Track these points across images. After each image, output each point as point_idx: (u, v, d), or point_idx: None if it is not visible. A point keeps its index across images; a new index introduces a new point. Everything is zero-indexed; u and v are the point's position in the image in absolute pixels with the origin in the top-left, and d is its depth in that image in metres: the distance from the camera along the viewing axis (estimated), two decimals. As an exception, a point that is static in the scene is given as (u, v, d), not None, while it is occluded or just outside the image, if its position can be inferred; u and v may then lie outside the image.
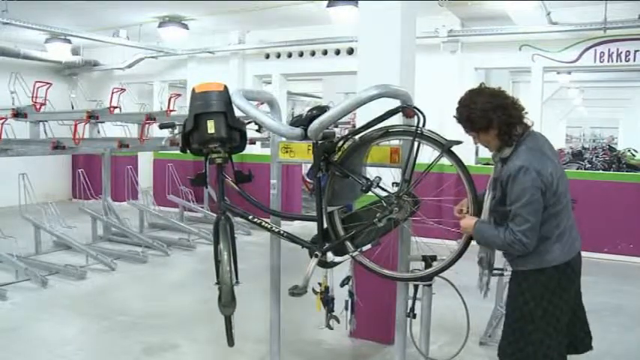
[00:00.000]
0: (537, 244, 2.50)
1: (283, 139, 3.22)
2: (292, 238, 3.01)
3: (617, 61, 7.21)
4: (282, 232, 3.08)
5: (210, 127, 2.82)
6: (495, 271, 4.07)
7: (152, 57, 10.53)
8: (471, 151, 7.80)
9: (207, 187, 8.59)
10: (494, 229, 2.58)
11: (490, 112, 2.51)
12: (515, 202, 2.45)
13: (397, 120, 2.88)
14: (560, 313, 2.58)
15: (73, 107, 10.46)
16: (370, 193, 2.79)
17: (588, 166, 10.97)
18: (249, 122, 3.07)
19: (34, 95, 6.60)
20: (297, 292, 2.90)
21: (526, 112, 2.61)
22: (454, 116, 2.64)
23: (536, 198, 2.43)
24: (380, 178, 2.78)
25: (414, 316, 2.96)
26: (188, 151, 3.00)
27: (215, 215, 3.10)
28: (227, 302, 2.89)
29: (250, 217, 3.06)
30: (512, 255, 2.61)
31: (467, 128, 2.61)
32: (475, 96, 2.58)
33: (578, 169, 10.27)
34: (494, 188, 2.63)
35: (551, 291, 2.55)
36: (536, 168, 2.44)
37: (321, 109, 2.83)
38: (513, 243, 2.47)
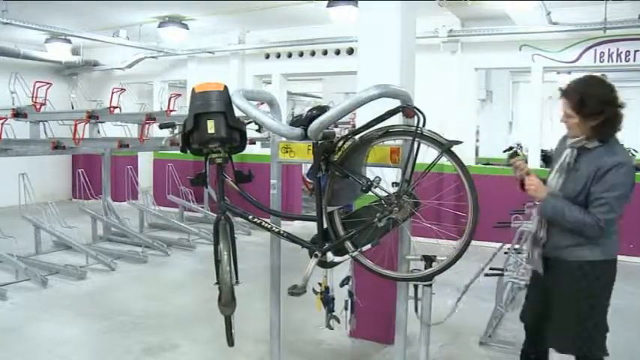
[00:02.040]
0: (609, 236, 2.70)
1: (283, 139, 3.22)
2: (292, 238, 3.01)
3: (617, 61, 7.21)
4: (282, 232, 3.07)
5: (210, 127, 2.81)
6: (495, 271, 4.08)
7: (152, 57, 10.54)
8: (471, 151, 7.80)
9: (207, 187, 8.58)
10: (569, 204, 2.66)
11: (604, 104, 2.59)
12: (609, 191, 2.57)
13: (397, 120, 2.88)
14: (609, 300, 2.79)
15: (73, 107, 10.45)
16: (370, 194, 2.79)
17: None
18: (249, 122, 3.06)
19: (34, 95, 6.60)
20: (296, 291, 2.90)
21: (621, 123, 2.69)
22: (561, 88, 2.69)
23: (627, 194, 2.61)
24: (380, 178, 2.78)
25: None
26: (188, 151, 3.00)
27: (215, 215, 3.10)
28: (227, 302, 2.89)
29: (250, 217, 3.05)
30: (579, 243, 2.68)
31: (572, 106, 2.64)
32: (597, 82, 2.67)
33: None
34: (568, 172, 2.71)
35: (612, 281, 2.77)
36: (633, 168, 2.64)
37: (321, 109, 2.82)
38: (592, 226, 2.58)
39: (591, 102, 2.59)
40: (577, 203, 2.66)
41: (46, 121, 6.94)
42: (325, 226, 2.90)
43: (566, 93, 2.67)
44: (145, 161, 11.40)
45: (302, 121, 2.85)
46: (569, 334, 2.76)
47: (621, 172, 2.57)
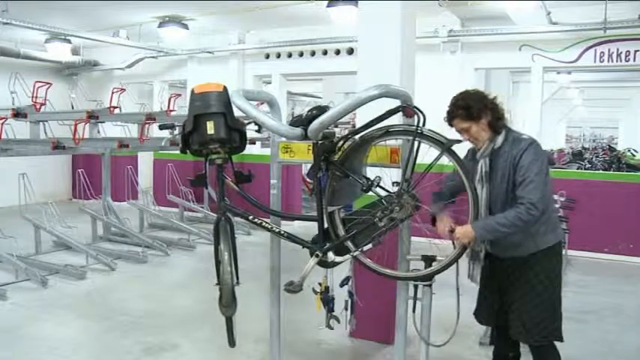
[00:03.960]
0: (551, 220, 2.81)
1: (283, 139, 3.22)
2: (293, 239, 3.01)
3: (617, 61, 7.21)
4: (282, 232, 3.07)
5: (210, 127, 2.81)
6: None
7: (152, 57, 10.54)
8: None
9: (207, 188, 8.60)
10: (496, 216, 2.74)
11: (483, 99, 2.81)
12: (527, 172, 2.67)
13: (397, 120, 2.88)
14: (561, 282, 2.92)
15: (73, 107, 10.46)
16: (371, 193, 2.80)
17: (588, 166, 10.96)
18: (249, 122, 3.06)
19: (34, 95, 6.59)
20: (292, 288, 2.90)
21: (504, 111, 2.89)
22: (448, 112, 2.84)
23: (544, 169, 2.70)
24: (380, 178, 2.78)
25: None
26: (188, 152, 3.00)
27: (215, 215, 3.09)
28: (228, 303, 2.89)
29: (251, 218, 3.06)
30: (532, 235, 2.76)
31: (461, 118, 2.79)
32: (465, 93, 2.86)
33: (578, 169, 10.27)
34: (487, 182, 2.81)
35: (561, 263, 2.89)
36: (539, 144, 2.77)
37: (321, 109, 2.82)
38: (529, 209, 2.62)
39: (473, 104, 2.77)
40: (510, 201, 2.74)
41: (46, 121, 6.94)
42: (326, 226, 2.90)
43: (452, 116, 2.83)
44: (145, 161, 11.40)
45: (302, 121, 2.85)
46: (542, 324, 2.81)
47: (530, 152, 2.69)
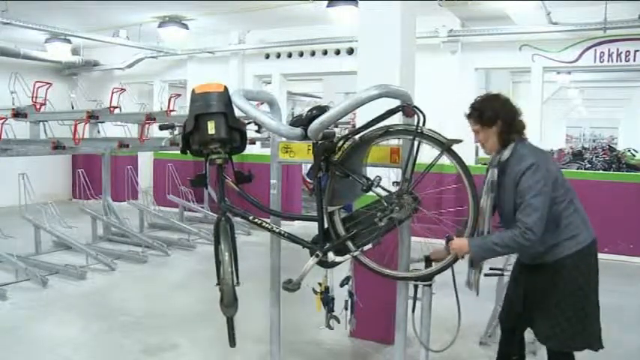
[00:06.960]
0: (566, 229, 2.74)
1: (283, 139, 3.22)
2: (293, 239, 3.01)
3: (617, 61, 7.21)
4: (282, 232, 3.08)
5: (211, 127, 2.81)
6: (495, 271, 4.08)
7: (152, 57, 10.55)
8: (470, 151, 7.80)
9: (207, 188, 8.60)
10: (494, 235, 2.73)
11: (499, 110, 2.78)
12: (525, 194, 2.63)
13: (397, 119, 2.88)
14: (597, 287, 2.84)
15: (73, 107, 10.45)
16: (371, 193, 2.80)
17: (588, 166, 10.96)
18: (249, 122, 3.07)
19: (34, 95, 6.60)
20: (290, 287, 2.91)
21: (525, 128, 2.86)
22: (468, 109, 2.85)
23: (546, 190, 2.65)
24: (380, 178, 2.79)
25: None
26: (188, 152, 2.99)
27: (215, 215, 3.09)
28: (229, 303, 2.89)
29: (251, 218, 3.06)
30: (554, 244, 2.73)
31: (474, 119, 2.82)
32: (491, 97, 2.89)
33: (578, 169, 10.26)
34: (492, 191, 2.80)
35: (594, 266, 2.81)
36: (545, 166, 2.69)
37: (321, 109, 2.83)
38: (524, 233, 2.60)
39: (486, 110, 2.78)
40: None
41: (46, 121, 6.95)
42: (326, 226, 2.90)
43: (468, 115, 2.86)
44: (145, 161, 11.40)
45: (302, 121, 2.86)
46: (564, 330, 2.77)
47: (530, 173, 2.65)
